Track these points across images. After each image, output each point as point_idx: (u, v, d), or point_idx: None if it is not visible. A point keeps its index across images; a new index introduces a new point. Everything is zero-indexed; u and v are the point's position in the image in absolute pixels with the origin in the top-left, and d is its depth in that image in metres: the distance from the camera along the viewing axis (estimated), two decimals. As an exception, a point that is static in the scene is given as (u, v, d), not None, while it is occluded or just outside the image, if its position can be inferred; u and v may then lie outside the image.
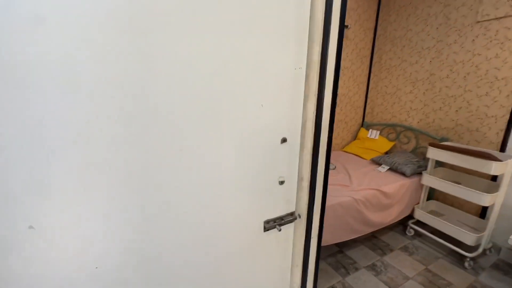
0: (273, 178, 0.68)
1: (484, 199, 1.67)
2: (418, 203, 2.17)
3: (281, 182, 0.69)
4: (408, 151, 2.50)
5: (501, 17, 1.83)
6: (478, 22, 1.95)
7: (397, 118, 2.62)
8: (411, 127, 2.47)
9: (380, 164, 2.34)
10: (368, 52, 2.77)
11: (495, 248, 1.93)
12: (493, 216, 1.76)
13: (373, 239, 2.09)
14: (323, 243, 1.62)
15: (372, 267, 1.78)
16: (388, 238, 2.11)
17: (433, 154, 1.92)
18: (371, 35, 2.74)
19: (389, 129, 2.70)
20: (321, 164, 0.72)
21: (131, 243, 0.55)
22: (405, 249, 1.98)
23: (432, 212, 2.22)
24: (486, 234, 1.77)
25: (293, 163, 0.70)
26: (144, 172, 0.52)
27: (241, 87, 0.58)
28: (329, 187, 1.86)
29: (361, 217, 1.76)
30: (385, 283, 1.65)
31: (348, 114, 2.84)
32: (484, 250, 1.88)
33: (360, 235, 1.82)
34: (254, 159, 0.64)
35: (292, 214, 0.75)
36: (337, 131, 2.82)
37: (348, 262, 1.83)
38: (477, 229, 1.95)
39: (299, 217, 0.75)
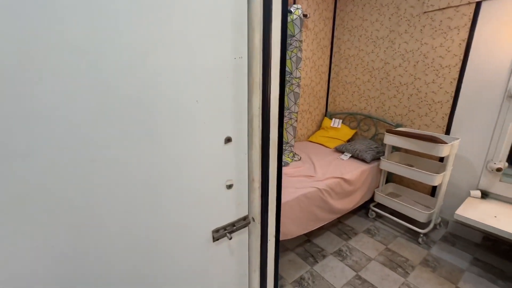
0: (219, 183, 0.62)
1: (433, 179, 1.81)
2: (378, 187, 2.29)
3: (229, 186, 0.63)
4: (368, 138, 2.62)
5: (443, 8, 1.94)
6: (425, 12, 2.05)
7: (357, 107, 2.71)
8: (370, 115, 2.58)
9: (343, 152, 2.41)
10: (328, 42, 2.80)
11: (444, 222, 2.13)
12: (441, 194, 1.92)
13: (339, 225, 2.17)
14: (291, 236, 1.62)
15: (339, 253, 1.85)
16: (352, 222, 2.21)
17: (389, 140, 2.02)
18: (330, 25, 2.76)
19: (350, 117, 2.80)
20: (273, 162, 0.67)
21: (58, 267, 0.45)
22: (367, 231, 2.09)
23: (390, 194, 2.37)
24: (436, 210, 1.93)
25: (241, 164, 0.64)
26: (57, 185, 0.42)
27: (168, 80, 0.49)
28: (294, 178, 1.87)
29: (326, 206, 1.79)
30: (351, 266, 1.72)
31: (312, 104, 2.87)
32: (435, 225, 2.06)
33: (326, 223, 1.87)
34: (194, 163, 0.56)
35: (245, 218, 0.69)
36: (302, 121, 2.84)
37: (316, 251, 1.87)
38: (429, 207, 2.12)
39: (253, 220, 0.70)
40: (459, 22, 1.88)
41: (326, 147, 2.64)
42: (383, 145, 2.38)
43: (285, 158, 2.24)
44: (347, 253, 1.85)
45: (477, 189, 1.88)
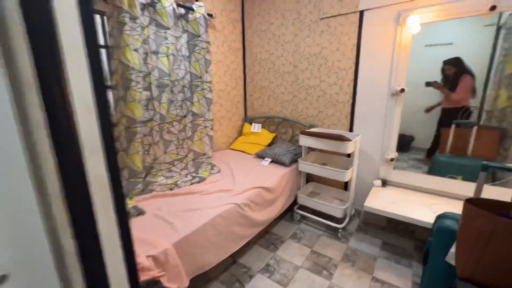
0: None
1: (344, 176, 1.89)
2: (300, 188, 2.30)
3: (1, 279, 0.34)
4: (287, 140, 2.64)
5: (336, 15, 2.09)
6: (322, 18, 2.18)
7: (274, 110, 2.71)
8: (286, 117, 2.60)
9: (263, 158, 2.34)
10: (240, 45, 2.72)
11: (357, 213, 2.30)
12: (352, 187, 2.05)
13: (266, 235, 2.06)
14: (209, 267, 1.37)
15: (266, 268, 1.71)
16: (279, 229, 2.14)
17: (304, 141, 2.04)
18: (240, 28, 2.68)
19: (269, 121, 2.77)
20: (105, 217, 0.41)
21: None
22: (294, 236, 2.05)
23: (311, 193, 2.43)
24: (349, 204, 2.05)
25: (29, 229, 0.36)
26: None
27: None
28: (210, 196, 1.63)
29: (248, 221, 1.63)
30: (279, 282, 1.60)
31: (230, 110, 2.71)
32: (350, 217, 2.20)
33: (250, 238, 1.71)
34: None
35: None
36: (221, 129, 2.65)
37: (242, 272, 1.68)
38: (345, 201, 2.25)
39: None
40: (349, 28, 2.05)
41: (248, 153, 2.52)
42: (300, 146, 2.42)
43: (201, 172, 1.99)
44: (275, 266, 1.73)
45: (378, 178, 2.09)
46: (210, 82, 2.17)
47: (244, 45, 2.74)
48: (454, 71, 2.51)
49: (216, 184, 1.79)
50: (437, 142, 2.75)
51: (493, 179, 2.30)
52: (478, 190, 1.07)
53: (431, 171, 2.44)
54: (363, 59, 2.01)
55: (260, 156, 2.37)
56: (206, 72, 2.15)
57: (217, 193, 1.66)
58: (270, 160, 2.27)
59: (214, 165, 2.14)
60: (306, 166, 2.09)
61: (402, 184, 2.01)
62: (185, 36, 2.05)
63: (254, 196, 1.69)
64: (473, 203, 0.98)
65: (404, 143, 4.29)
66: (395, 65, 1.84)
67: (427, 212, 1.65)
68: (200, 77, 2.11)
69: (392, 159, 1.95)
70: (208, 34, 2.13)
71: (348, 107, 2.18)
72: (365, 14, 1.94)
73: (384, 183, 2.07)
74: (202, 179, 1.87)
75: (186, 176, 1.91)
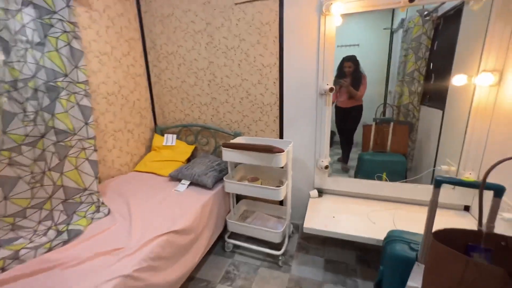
0: None
1: (277, 194, 1.57)
2: (229, 212, 1.88)
3: None
4: (210, 153, 2.18)
5: (252, 0, 1.74)
6: (236, 4, 1.79)
7: (191, 117, 2.19)
8: (206, 125, 2.12)
9: (180, 180, 1.80)
10: (137, 34, 2.07)
11: (296, 227, 2.05)
12: (288, 202, 1.75)
13: (189, 285, 1.55)
14: None
15: None
16: (207, 271, 1.66)
17: (228, 156, 1.62)
18: (135, 11, 2.04)
19: (186, 130, 2.24)
20: None
21: None
22: (226, 278, 1.61)
23: (244, 214, 2.04)
24: (287, 223, 1.76)
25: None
26: None
27: None
28: (79, 268, 1.00)
29: (152, 288, 1.09)
30: None
31: (130, 120, 2.04)
32: (290, 236, 1.92)
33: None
34: None
35: None
36: (118, 146, 1.95)
37: None
38: (283, 217, 1.96)
39: None
40: (269, 17, 1.73)
41: (159, 175, 1.93)
42: (226, 159, 2.00)
43: (76, 222, 1.30)
44: (201, 336, 1.25)
45: (314, 188, 1.87)
46: (84, 82, 1.48)
47: (144, 34, 2.11)
48: (353, 69, 2.58)
49: (97, 240, 1.16)
50: (348, 142, 2.82)
51: (405, 176, 2.45)
52: (433, 208, 0.89)
53: (359, 171, 2.43)
54: (288, 54, 1.73)
55: (175, 178, 1.82)
56: (76, 67, 1.45)
57: (95, 259, 1.04)
58: (188, 182, 1.75)
59: (102, 203, 1.47)
60: (235, 186, 1.67)
61: (338, 192, 1.85)
62: (29, 10, 1.30)
63: (160, 249, 1.15)
64: (441, 236, 0.76)
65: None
66: (322, 61, 1.63)
67: (367, 224, 1.49)
68: (65, 75, 1.40)
69: (326, 167, 1.75)
70: (74, 11, 1.43)
71: (275, 110, 1.88)
72: (285, 0, 1.66)
73: (321, 192, 1.86)
74: (75, 234, 1.19)
75: (44, 235, 1.19)
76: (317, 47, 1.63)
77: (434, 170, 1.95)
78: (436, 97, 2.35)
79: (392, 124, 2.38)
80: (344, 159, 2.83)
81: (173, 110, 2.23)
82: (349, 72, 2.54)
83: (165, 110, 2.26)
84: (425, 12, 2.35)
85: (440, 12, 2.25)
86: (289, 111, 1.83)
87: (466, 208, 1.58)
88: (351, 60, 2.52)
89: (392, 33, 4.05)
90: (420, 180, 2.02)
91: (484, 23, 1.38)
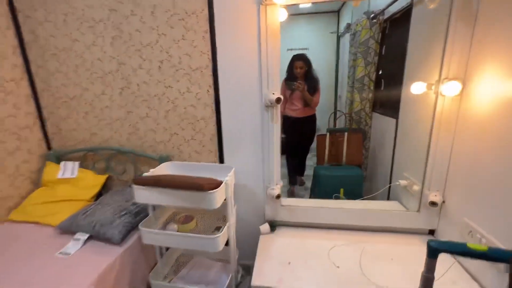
0: None
1: (214, 245, 1.15)
2: (154, 267, 1.38)
3: None
4: (129, 184, 1.64)
5: (171, -19, 1.30)
6: (149, -15, 1.33)
7: (99, 137, 1.62)
8: (121, 148, 1.59)
9: (74, 233, 1.24)
10: (5, 20, 1.43)
11: (246, 270, 1.65)
12: (232, 245, 1.35)
13: None
14: None
15: None
16: None
17: (141, 196, 1.14)
18: (-1, -13, 1.40)
19: (93, 155, 1.65)
20: None
21: None
22: None
23: (179, 261, 1.56)
24: (233, 271, 1.35)
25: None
26: None
27: None
28: None
29: None
30: None
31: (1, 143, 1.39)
32: (240, 283, 1.52)
33: None
34: None
35: None
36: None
37: None
38: (228, 261, 1.54)
39: None
40: (195, 5, 1.31)
41: (46, 225, 1.33)
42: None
43: None
44: None
45: (265, 221, 1.51)
46: None
47: (17, 22, 1.47)
48: (306, 71, 2.20)
49: None
50: (301, 163, 2.59)
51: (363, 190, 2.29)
52: (428, 285, 0.59)
53: (315, 188, 2.18)
54: (222, 53, 1.33)
55: (68, 230, 1.25)
56: None
57: None
58: (86, 236, 1.20)
59: None
60: (156, 236, 1.20)
61: (293, 223, 1.52)
62: None
63: None
64: None
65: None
66: (265, 64, 1.27)
67: (329, 270, 1.18)
68: None
69: (278, 196, 1.40)
70: None
71: (212, 126, 1.47)
72: (214, -16, 1.27)
73: (273, 226, 1.51)
74: None
75: None
76: (258, 45, 1.28)
77: (390, 186, 1.78)
78: (388, 104, 2.24)
79: (346, 133, 2.20)
80: (300, 169, 2.56)
81: (74, 128, 1.62)
82: (302, 74, 2.21)
83: (63, 128, 1.64)
84: (372, 15, 2.23)
85: (387, 15, 2.15)
86: (229, 127, 1.44)
87: (431, 232, 1.41)
88: (302, 59, 2.21)
89: (338, 37, 4.04)
90: (376, 196, 1.83)
91: (442, 24, 1.21)
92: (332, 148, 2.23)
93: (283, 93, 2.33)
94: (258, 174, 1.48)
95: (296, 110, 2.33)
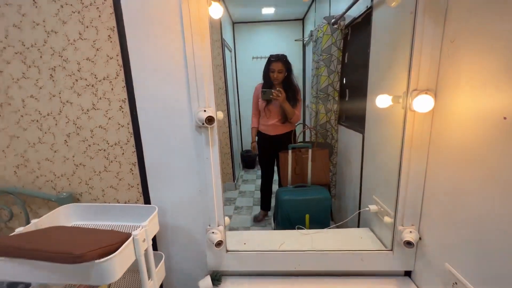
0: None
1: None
2: None
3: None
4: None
5: (56, -41, 0.95)
6: (28, -36, 0.96)
7: (-27, 171, 1.18)
8: (5, 188, 1.15)
9: None
10: None
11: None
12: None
13: None
14: None
15: None
16: None
17: (-7, 273, 0.74)
18: None
19: (-34, 196, 1.20)
20: None
21: None
22: None
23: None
24: None
25: None
26: None
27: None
28: None
29: None
30: None
31: None
32: None
33: None
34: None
35: None
36: None
37: None
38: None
39: None
40: (93, -6, 0.97)
41: None
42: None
43: None
44: None
45: (207, 274, 1.17)
46: None
47: None
48: (286, 76, 1.88)
49: None
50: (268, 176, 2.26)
51: (331, 214, 2.05)
52: None
53: (277, 216, 1.88)
54: (136, 58, 1.00)
55: None
56: None
57: None
58: None
59: None
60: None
61: (244, 272, 1.20)
62: None
63: None
64: None
65: (249, 160, 3.94)
66: (192, 73, 0.96)
67: None
68: None
69: (218, 243, 1.07)
70: None
71: (130, 153, 1.11)
72: (118, -35, 0.94)
73: (217, 277, 1.17)
74: None
75: None
76: (183, 48, 0.96)
77: (360, 212, 1.55)
78: (353, 117, 2.04)
79: (310, 150, 1.95)
80: (269, 207, 2.23)
81: None
82: (280, 80, 1.84)
83: None
84: (332, 20, 2.05)
85: (348, 19, 1.98)
86: (153, 153, 1.09)
87: (407, 273, 1.17)
88: (282, 61, 1.84)
89: (304, 46, 3.90)
90: (346, 224, 1.59)
91: (406, 24, 1.00)
92: (296, 167, 1.97)
93: (255, 104, 2.00)
94: (197, 211, 1.14)
95: (272, 125, 1.97)
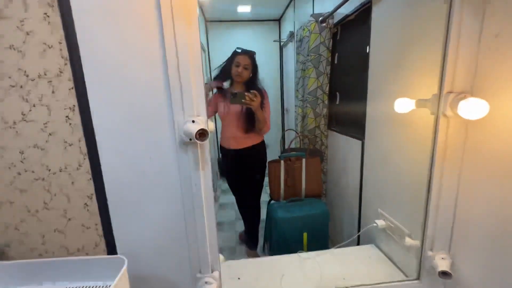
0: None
1: None
2: None
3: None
4: None
5: None
6: None
7: None
8: None
9: None
10: None
11: None
12: None
13: None
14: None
15: None
16: None
17: None
18: None
19: None
20: None
21: None
22: None
23: None
24: None
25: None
26: None
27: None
28: None
29: None
30: None
31: None
32: None
33: None
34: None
35: None
36: None
37: None
38: None
39: None
40: (16, -51, 0.66)
41: None
42: None
43: None
44: None
45: (199, 335, 0.88)
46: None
47: None
48: (251, 74, 1.59)
49: None
50: (252, 213, 1.89)
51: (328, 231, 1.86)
52: None
53: (271, 236, 1.66)
54: (89, 47, 0.70)
55: None
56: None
57: None
58: None
59: None
60: None
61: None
62: None
63: None
64: None
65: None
66: (174, 70, 0.69)
67: None
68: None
69: (215, 298, 0.80)
70: None
71: (85, 180, 0.79)
72: None
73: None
74: None
75: None
76: (160, 35, 0.69)
77: (360, 219, 1.39)
78: (347, 122, 1.91)
79: (304, 159, 1.77)
80: (251, 239, 1.86)
81: None
82: (244, 78, 1.54)
83: None
84: (320, 18, 1.91)
85: (337, 18, 1.85)
86: (118, 180, 0.78)
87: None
88: (249, 56, 1.55)
89: (281, 47, 3.77)
90: (341, 239, 1.42)
91: (425, 21, 0.86)
92: (287, 178, 1.77)
93: (213, 106, 1.57)
94: (182, 255, 0.86)
95: (237, 138, 1.62)
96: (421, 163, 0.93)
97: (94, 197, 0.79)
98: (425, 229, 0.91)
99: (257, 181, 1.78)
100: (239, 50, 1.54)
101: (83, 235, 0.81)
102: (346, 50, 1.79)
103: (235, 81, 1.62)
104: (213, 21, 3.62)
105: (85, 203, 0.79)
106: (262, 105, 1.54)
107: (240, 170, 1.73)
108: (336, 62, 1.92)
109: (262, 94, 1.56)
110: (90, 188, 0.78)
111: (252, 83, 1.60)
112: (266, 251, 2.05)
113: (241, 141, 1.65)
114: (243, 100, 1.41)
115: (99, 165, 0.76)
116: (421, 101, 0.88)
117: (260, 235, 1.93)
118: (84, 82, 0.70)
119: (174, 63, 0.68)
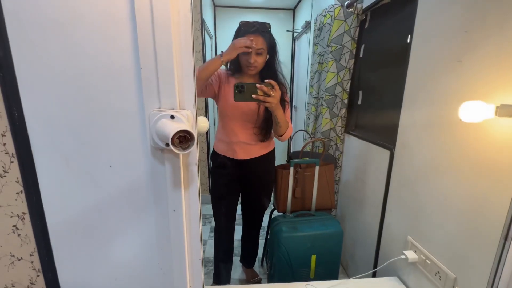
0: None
1: None
2: None
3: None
4: None
5: None
6: None
7: None
8: None
9: None
10: None
11: None
12: None
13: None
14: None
15: None
16: None
17: None
18: None
19: None
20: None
21: None
22: None
23: None
24: None
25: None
26: None
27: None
28: None
29: None
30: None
31: None
32: None
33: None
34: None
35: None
36: None
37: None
38: None
39: None
40: None
41: None
42: None
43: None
44: None
45: None
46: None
47: None
48: (268, 59, 1.14)
49: None
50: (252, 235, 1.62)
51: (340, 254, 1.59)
52: None
53: (274, 258, 1.41)
54: (17, 7, 0.45)
55: None
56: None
57: None
58: None
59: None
60: None
61: None
62: None
63: None
64: None
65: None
66: (149, 33, 0.44)
67: None
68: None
69: None
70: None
71: (11, 195, 0.54)
72: None
73: None
74: None
75: None
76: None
77: (378, 254, 1.14)
78: (370, 127, 1.64)
79: (318, 167, 1.50)
80: (248, 254, 1.61)
81: None
82: (258, 69, 1.10)
83: None
84: (347, 1, 1.62)
85: (367, 3, 1.56)
86: (62, 196, 0.54)
87: None
88: (263, 35, 1.06)
89: (294, 39, 3.46)
90: (354, 265, 1.17)
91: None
92: (296, 189, 1.51)
93: (215, 86, 1.08)
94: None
95: (242, 145, 1.17)
96: (490, 193, 0.67)
97: (27, 217, 0.54)
98: (496, 274, 0.66)
99: (262, 207, 1.41)
100: (247, 28, 1.03)
101: (12, 270, 0.57)
102: (375, 40, 1.51)
103: (245, 73, 1.16)
104: (222, 6, 3.34)
105: (14, 226, 0.54)
106: (283, 102, 1.08)
107: (244, 189, 1.31)
108: (361, 55, 1.64)
109: (282, 86, 1.12)
110: (21, 205, 0.53)
111: (269, 71, 1.13)
112: (265, 266, 1.81)
113: (250, 149, 1.20)
114: (253, 96, 0.94)
115: (34, 172, 0.51)
116: (507, 107, 0.61)
117: (260, 233, 1.68)
118: (10, 56, 0.45)
119: (147, 20, 0.42)
